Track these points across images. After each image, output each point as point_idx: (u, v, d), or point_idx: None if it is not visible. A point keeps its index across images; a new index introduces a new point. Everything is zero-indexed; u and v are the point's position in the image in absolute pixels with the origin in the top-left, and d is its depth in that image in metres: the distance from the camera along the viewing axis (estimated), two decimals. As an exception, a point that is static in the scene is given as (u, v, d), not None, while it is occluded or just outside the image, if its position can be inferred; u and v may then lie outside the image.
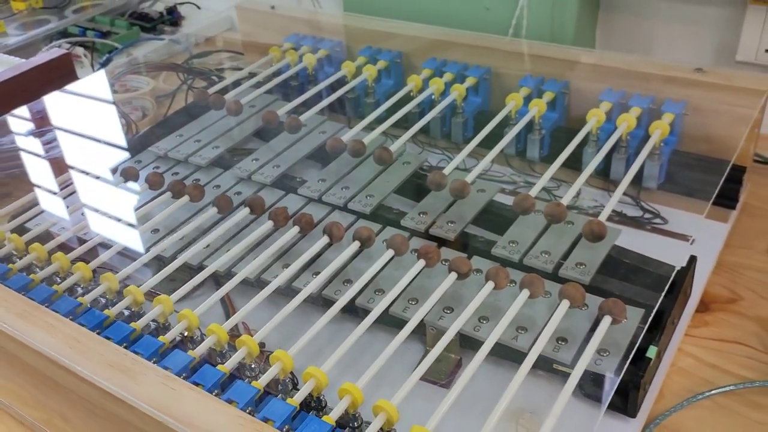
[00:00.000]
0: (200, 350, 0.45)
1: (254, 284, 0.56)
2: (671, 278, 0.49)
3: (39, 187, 0.67)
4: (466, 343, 0.51)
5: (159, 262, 0.58)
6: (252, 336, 0.47)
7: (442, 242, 0.58)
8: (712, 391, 0.50)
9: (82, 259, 0.56)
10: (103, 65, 1.04)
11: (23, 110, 0.80)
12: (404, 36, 0.80)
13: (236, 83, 0.80)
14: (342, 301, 0.50)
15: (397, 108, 0.71)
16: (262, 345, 0.52)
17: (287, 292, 0.54)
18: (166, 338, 0.46)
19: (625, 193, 0.65)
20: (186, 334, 0.48)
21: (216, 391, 0.42)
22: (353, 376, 0.44)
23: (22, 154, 0.76)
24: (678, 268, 0.51)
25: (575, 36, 0.80)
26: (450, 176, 0.60)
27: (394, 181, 0.64)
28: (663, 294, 0.48)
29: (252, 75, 0.82)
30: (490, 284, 0.49)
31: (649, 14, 0.81)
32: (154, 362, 0.44)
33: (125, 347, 0.45)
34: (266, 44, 0.86)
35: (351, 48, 0.83)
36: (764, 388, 0.50)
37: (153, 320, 0.50)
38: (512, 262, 0.54)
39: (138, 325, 0.47)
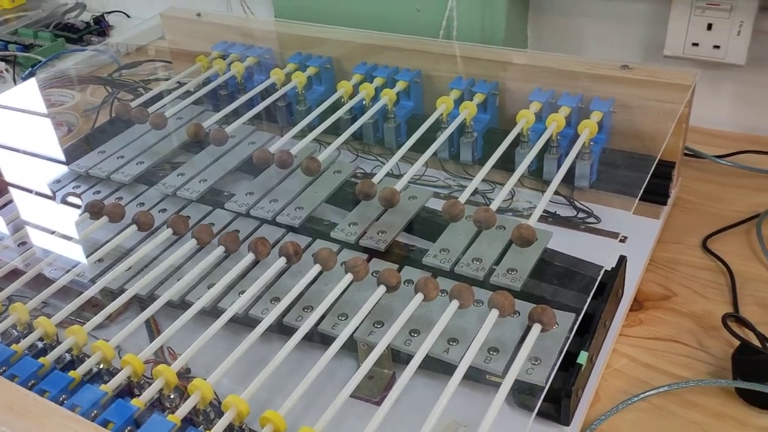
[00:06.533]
0: (114, 384, 0.43)
1: (179, 307, 0.53)
2: (598, 280, 0.48)
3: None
4: (399, 357, 0.50)
5: (79, 287, 0.55)
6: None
7: (374, 253, 0.56)
8: (647, 393, 0.49)
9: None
10: (26, 80, 0.99)
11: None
12: (334, 41, 0.79)
13: (162, 94, 0.77)
14: (267, 321, 0.48)
15: (329, 115, 0.69)
16: (188, 371, 0.50)
17: (214, 313, 0.52)
18: (77, 373, 0.43)
19: (558, 193, 0.65)
20: (101, 366, 0.46)
21: (129, 428, 0.40)
22: (284, 399, 0.42)
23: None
24: (605, 268, 0.50)
25: (506, 37, 0.80)
26: (380, 184, 0.59)
27: (324, 192, 0.63)
28: (590, 297, 0.47)
29: (180, 85, 0.79)
30: (420, 296, 0.48)
31: (577, 12, 0.81)
32: (63, 400, 0.41)
33: (33, 385, 0.43)
34: (194, 53, 0.83)
35: (281, 55, 0.81)
36: (699, 387, 0.50)
37: (67, 352, 0.47)
38: (444, 272, 0.53)
39: (47, 360, 0.45)
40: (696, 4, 0.72)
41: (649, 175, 0.56)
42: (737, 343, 0.51)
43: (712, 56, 0.74)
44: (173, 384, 0.43)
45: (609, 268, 0.52)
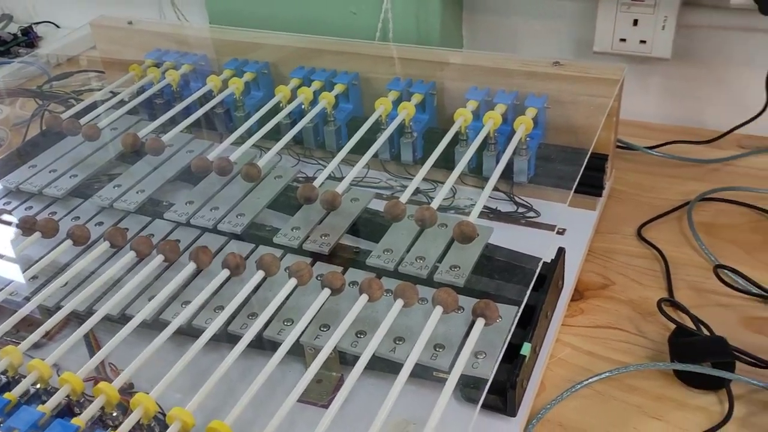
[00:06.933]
0: (52, 403, 0.41)
1: (120, 321, 0.52)
2: (536, 272, 0.49)
3: None
4: (347, 360, 0.49)
5: (13, 306, 0.53)
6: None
7: (318, 256, 0.56)
8: (590, 380, 0.50)
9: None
10: (-50, 95, 0.95)
11: None
12: (271, 46, 0.78)
13: (96, 105, 0.75)
14: (211, 330, 0.47)
15: (268, 120, 0.69)
16: (131, 386, 0.49)
17: (156, 325, 0.51)
18: (12, 394, 0.42)
19: (498, 189, 0.66)
20: (38, 386, 0.44)
21: (69, 448, 0.38)
22: (232, 408, 0.42)
23: None
24: (543, 260, 0.51)
25: (441, 37, 0.81)
26: (322, 187, 0.59)
27: (265, 197, 0.62)
28: (530, 289, 0.48)
29: (113, 95, 0.78)
30: (364, 297, 0.48)
31: (509, 12, 0.83)
32: (-2, 423, 0.40)
33: (-35, 410, 0.41)
34: (127, 61, 0.82)
35: (217, 61, 0.80)
36: (638, 371, 0.51)
37: (2, 373, 0.46)
38: (388, 272, 0.53)
39: (-20, 383, 0.43)
40: (622, 1, 0.74)
41: (582, 168, 0.57)
42: (673, 326, 0.53)
43: (639, 51, 0.76)
44: (115, 401, 0.42)
45: (548, 260, 0.53)
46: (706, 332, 0.53)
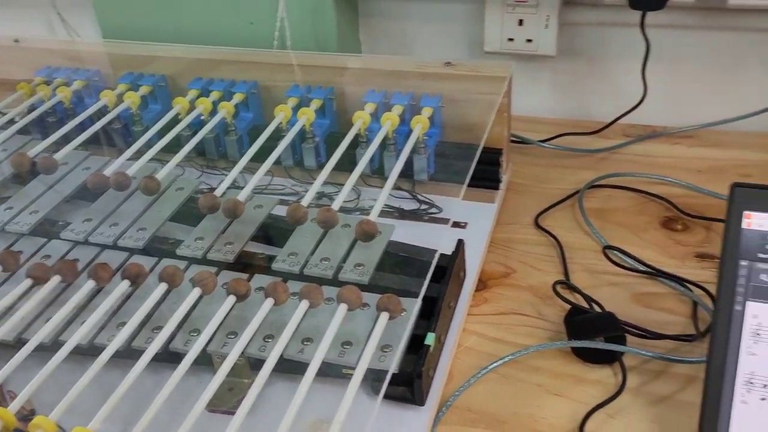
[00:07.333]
0: (-57, 436, 0.40)
1: (16, 346, 0.50)
2: (433, 264, 0.51)
3: None
4: (258, 366, 0.49)
5: None
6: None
7: (224, 265, 0.56)
8: (494, 364, 0.52)
9: None
10: None
11: None
12: (167, 58, 0.77)
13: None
14: (113, 347, 0.46)
15: (168, 133, 0.68)
16: (32, 412, 0.47)
17: (56, 348, 0.50)
18: None
19: (401, 188, 0.68)
20: (-72, 420, 0.42)
21: (-37, 479, 0.37)
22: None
23: None
24: (439, 252, 0.53)
25: (339, 43, 0.82)
26: (224, 197, 0.59)
27: (167, 210, 0.61)
28: (427, 281, 0.49)
29: (2, 115, 0.75)
30: (270, 301, 0.48)
31: (403, 16, 0.85)
32: None
33: None
34: (16, 81, 0.79)
35: (111, 76, 0.79)
36: (539, 352, 0.53)
37: None
38: (294, 275, 0.54)
39: None
40: (506, 2, 0.78)
41: (474, 163, 0.60)
42: (569, 307, 0.56)
43: (526, 49, 0.80)
44: (12, 425, 0.41)
45: (450, 253, 0.55)
46: (598, 310, 0.56)
